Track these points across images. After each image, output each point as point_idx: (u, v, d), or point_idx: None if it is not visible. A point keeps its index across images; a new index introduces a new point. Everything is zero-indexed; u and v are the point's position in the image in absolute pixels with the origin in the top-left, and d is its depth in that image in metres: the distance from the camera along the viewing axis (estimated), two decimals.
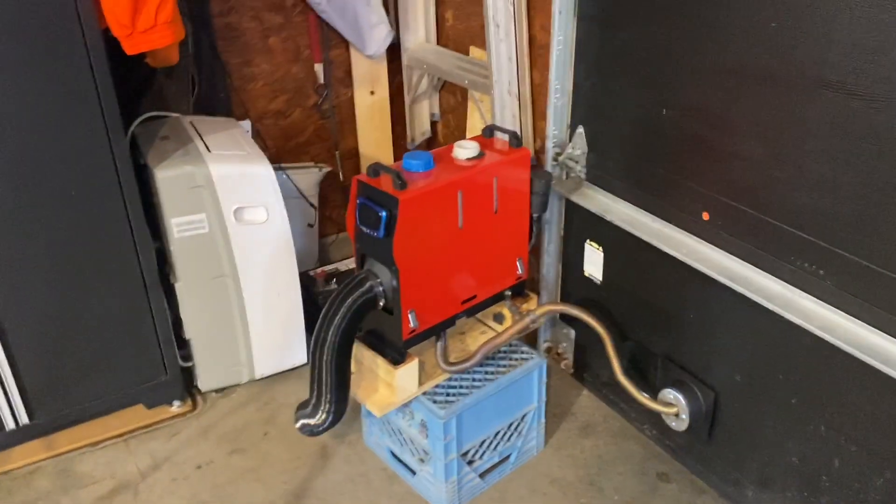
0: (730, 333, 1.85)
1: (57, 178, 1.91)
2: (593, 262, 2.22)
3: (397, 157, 3.13)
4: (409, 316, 1.79)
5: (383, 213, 1.69)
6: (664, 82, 1.82)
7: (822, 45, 1.44)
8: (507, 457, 2.13)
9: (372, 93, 2.94)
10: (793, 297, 1.64)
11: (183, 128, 2.33)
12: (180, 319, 2.30)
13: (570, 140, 2.16)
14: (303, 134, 2.94)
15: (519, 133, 2.15)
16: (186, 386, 2.40)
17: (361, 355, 1.90)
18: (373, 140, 3.03)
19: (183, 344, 2.34)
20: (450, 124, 2.92)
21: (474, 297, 1.95)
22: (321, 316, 1.77)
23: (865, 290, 1.50)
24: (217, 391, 2.46)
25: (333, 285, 2.57)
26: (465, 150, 1.85)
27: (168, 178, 2.08)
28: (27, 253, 1.94)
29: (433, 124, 3.00)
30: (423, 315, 1.82)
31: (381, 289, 1.79)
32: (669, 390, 2.00)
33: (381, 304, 1.80)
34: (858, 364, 1.53)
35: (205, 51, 2.47)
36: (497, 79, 2.29)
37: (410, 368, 1.86)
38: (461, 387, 1.97)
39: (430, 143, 3.06)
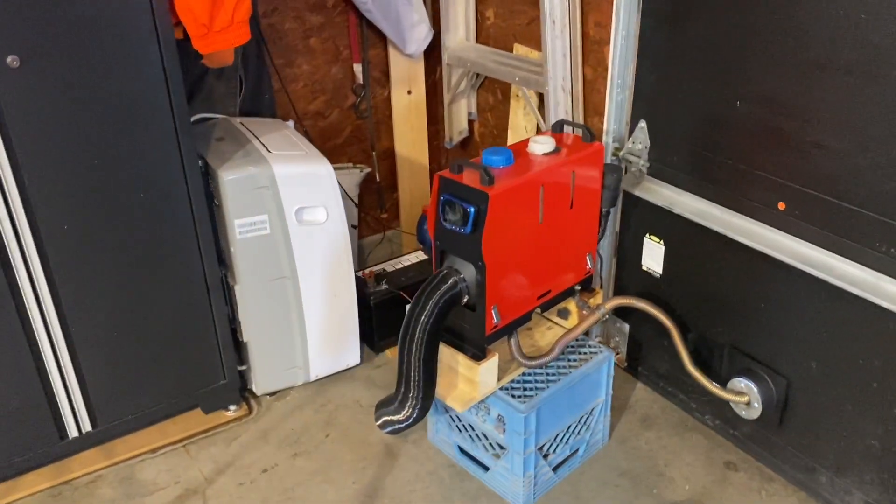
0: (805, 321, 1.88)
1: (127, 180, 1.88)
2: (653, 255, 2.24)
3: (433, 158, 3.14)
4: (493, 312, 1.79)
5: (471, 209, 1.69)
6: (738, 75, 1.84)
7: None
8: (576, 450, 2.14)
9: (409, 92, 2.94)
10: (877, 282, 1.68)
11: (236, 129, 2.32)
12: (237, 322, 2.28)
13: (631, 135, 2.18)
14: (340, 135, 2.93)
15: None
16: (241, 390, 2.38)
17: (440, 353, 1.89)
18: (409, 140, 3.03)
19: (239, 347, 2.32)
20: (488, 123, 2.93)
21: (549, 291, 1.96)
22: (408, 314, 1.77)
23: None
24: (272, 394, 2.44)
25: (384, 286, 2.56)
26: (541, 146, 1.85)
27: (233, 179, 2.06)
28: (94, 258, 1.91)
29: (470, 123, 3.00)
30: (504, 310, 1.83)
31: (465, 285, 1.78)
32: (740, 379, 2.02)
33: (465, 300, 1.80)
34: None
35: (251, 52, 2.45)
36: (552, 75, 2.30)
37: (491, 364, 1.86)
38: (536, 382, 1.97)
39: (466, 142, 3.06)
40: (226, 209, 2.10)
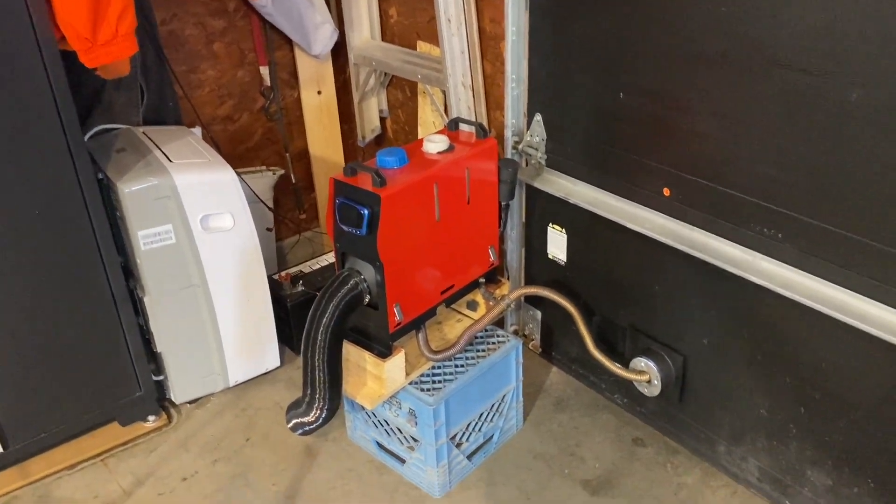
0: (694, 300, 1.97)
1: (20, 198, 1.86)
2: (556, 244, 2.31)
3: (347, 157, 3.15)
4: (395, 309, 1.84)
5: (365, 211, 1.72)
6: (620, 68, 1.91)
7: (773, 26, 1.55)
8: (491, 437, 2.21)
9: (319, 92, 2.95)
10: (754, 261, 1.77)
11: (137, 139, 2.30)
12: (150, 333, 2.28)
13: (528, 128, 2.24)
14: (252, 138, 2.93)
15: None
16: (159, 400, 2.37)
17: (347, 352, 1.93)
18: (322, 140, 3.04)
19: (154, 357, 2.32)
20: (399, 119, 2.96)
21: (452, 286, 2.01)
22: (309, 317, 1.80)
23: (822, 250, 1.63)
24: (191, 402, 2.44)
25: (301, 287, 2.58)
26: (435, 144, 1.90)
27: (133, 191, 2.05)
28: None
29: (382, 120, 3.03)
30: (407, 307, 1.87)
31: (365, 285, 1.82)
32: (640, 359, 2.11)
33: (367, 300, 1.84)
34: (818, 316, 1.66)
35: (151, 60, 2.43)
36: (451, 72, 2.35)
37: (398, 360, 1.90)
38: (445, 374, 2.03)
39: (379, 139, 3.09)
40: (128, 221, 2.09)
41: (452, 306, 2.18)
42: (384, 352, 1.89)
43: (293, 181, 3.05)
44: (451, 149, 1.91)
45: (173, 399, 2.40)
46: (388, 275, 1.78)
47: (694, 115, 1.78)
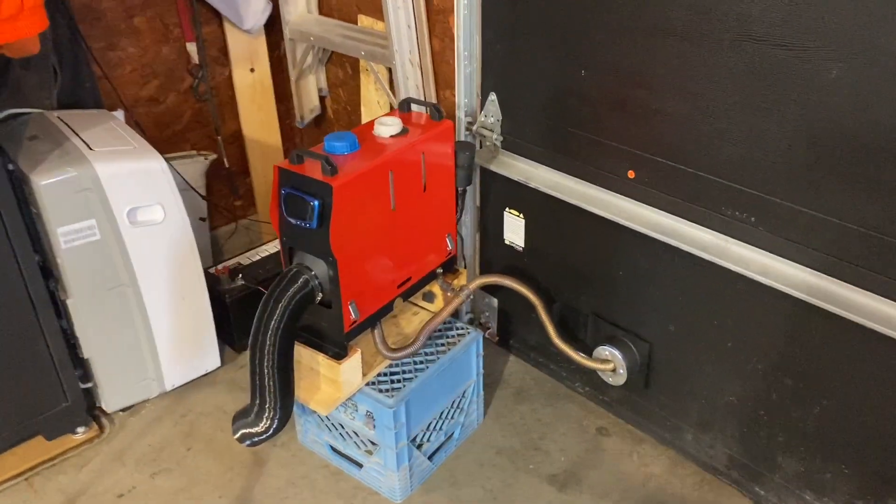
0: (661, 286, 1.90)
1: None
2: (514, 229, 2.21)
3: (284, 139, 2.97)
4: (350, 307, 1.70)
5: (315, 203, 1.57)
6: (581, 44, 1.81)
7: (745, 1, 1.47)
8: (451, 434, 2.10)
9: (252, 70, 2.75)
10: (726, 246, 1.70)
11: (52, 125, 2.08)
12: (75, 338, 2.08)
13: (482, 108, 2.11)
14: (180, 121, 2.72)
15: None
16: (89, 409, 2.18)
17: (299, 354, 1.78)
18: (257, 121, 2.84)
19: (80, 364, 2.11)
20: (340, 99, 2.79)
21: (409, 278, 1.89)
22: (256, 319, 1.65)
23: (797, 233, 1.57)
24: (124, 410, 2.25)
25: (240, 281, 2.40)
26: (387, 128, 1.75)
27: (49, 184, 1.84)
28: None
29: (321, 100, 2.85)
30: (363, 304, 1.74)
31: (316, 282, 1.68)
32: (604, 347, 2.03)
33: (318, 298, 1.69)
34: (792, 301, 1.61)
35: (63, 36, 2.19)
36: (398, 48, 2.20)
37: (354, 362, 1.77)
38: (403, 372, 1.91)
39: (319, 119, 2.91)
40: (46, 218, 1.88)
41: (409, 300, 2.06)
42: (339, 353, 1.75)
43: (226, 166, 2.85)
44: (404, 132, 1.77)
45: (104, 408, 2.20)
46: (342, 270, 1.64)
47: (659, 94, 1.69)
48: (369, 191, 1.66)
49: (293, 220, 1.63)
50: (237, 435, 1.76)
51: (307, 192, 1.59)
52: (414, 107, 1.91)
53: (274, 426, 1.71)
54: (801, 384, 1.71)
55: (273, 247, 2.60)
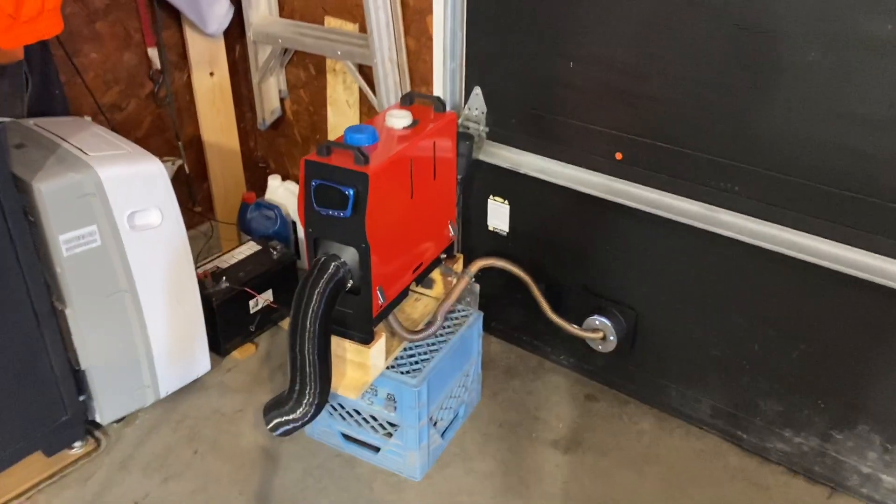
0: (648, 256, 2.08)
1: None
2: (498, 215, 2.34)
3: (243, 142, 2.97)
4: (378, 292, 1.77)
5: (350, 192, 1.64)
6: (566, 35, 1.96)
7: None
8: (457, 412, 2.20)
9: (211, 74, 2.74)
10: (714, 215, 1.90)
11: (34, 132, 2.02)
12: (72, 349, 2.02)
13: (466, 102, 2.23)
14: (140, 127, 2.67)
15: None
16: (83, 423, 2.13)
17: None
18: (216, 125, 2.83)
19: (75, 376, 2.06)
20: (301, 100, 2.83)
21: (421, 264, 1.98)
22: (294, 307, 1.69)
23: (777, 196, 1.79)
24: (117, 422, 2.21)
25: (224, 284, 2.41)
26: (400, 119, 1.84)
27: (53, 190, 1.80)
28: None
29: (282, 102, 2.88)
30: (388, 289, 1.81)
31: (346, 269, 1.74)
32: (595, 317, 2.20)
33: (349, 285, 1.76)
34: (770, 255, 1.83)
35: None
36: (378, 47, 2.28)
37: (380, 345, 1.84)
38: (419, 354, 1.99)
39: (278, 122, 2.93)
40: (46, 225, 1.84)
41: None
42: (366, 338, 1.82)
43: (187, 171, 2.82)
44: (415, 123, 1.86)
45: (98, 419, 2.14)
46: (374, 256, 1.71)
47: (646, 80, 1.87)
48: (396, 179, 1.74)
49: (325, 211, 1.69)
50: (270, 425, 1.79)
51: (341, 181, 1.65)
52: (414, 101, 2.00)
53: (311, 412, 1.76)
54: (781, 333, 1.93)
55: (248, 248, 2.60)
